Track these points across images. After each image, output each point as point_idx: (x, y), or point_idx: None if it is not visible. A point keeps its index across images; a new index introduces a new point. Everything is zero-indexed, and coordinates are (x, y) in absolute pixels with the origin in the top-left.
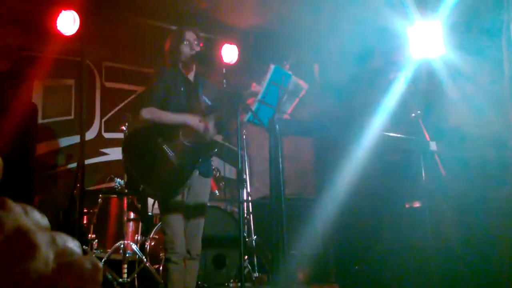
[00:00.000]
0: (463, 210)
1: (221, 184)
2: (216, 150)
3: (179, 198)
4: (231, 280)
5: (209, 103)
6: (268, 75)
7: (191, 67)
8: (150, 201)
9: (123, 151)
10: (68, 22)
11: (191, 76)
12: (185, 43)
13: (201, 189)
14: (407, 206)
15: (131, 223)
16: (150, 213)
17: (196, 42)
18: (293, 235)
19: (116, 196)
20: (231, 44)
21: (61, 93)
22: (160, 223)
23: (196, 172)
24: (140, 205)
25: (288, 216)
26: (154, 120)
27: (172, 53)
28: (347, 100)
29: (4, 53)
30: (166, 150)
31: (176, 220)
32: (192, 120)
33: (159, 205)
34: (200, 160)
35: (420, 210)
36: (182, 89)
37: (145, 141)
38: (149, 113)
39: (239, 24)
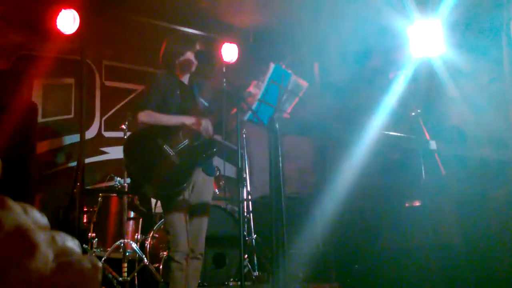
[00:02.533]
0: (462, 208)
1: (221, 183)
2: (215, 149)
3: (182, 197)
4: (231, 279)
5: (206, 104)
6: (268, 74)
7: (188, 70)
8: (153, 201)
9: (124, 152)
10: (68, 21)
11: (185, 80)
12: (192, 50)
13: (204, 188)
14: (407, 205)
15: (131, 222)
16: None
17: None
18: (293, 234)
19: (116, 195)
20: (230, 43)
21: (61, 92)
22: (160, 222)
23: (200, 171)
24: (143, 207)
25: (288, 215)
26: (152, 122)
27: (170, 55)
28: (347, 99)
29: (4, 52)
30: (167, 149)
31: (179, 219)
32: (189, 120)
33: (162, 205)
34: (201, 158)
35: (420, 209)
36: (177, 92)
37: (146, 142)
38: (146, 116)
39: (239, 23)
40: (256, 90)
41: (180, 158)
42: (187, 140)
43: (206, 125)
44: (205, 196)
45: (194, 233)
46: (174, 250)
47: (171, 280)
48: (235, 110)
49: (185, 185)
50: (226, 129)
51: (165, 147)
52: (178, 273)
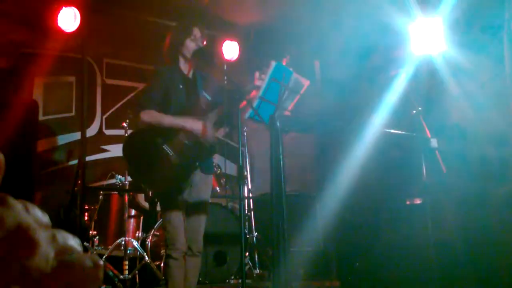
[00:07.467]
0: (463, 206)
1: (222, 181)
2: (215, 149)
3: (181, 196)
4: (232, 277)
5: (209, 98)
6: (269, 72)
7: (192, 63)
8: None
9: (124, 152)
10: (69, 19)
11: (189, 73)
12: (191, 37)
13: (202, 186)
14: (407, 202)
15: (132, 220)
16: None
17: (201, 39)
18: (294, 231)
19: (117, 192)
20: (232, 40)
21: (62, 90)
22: (161, 220)
23: (198, 170)
24: (148, 203)
25: (289, 213)
26: (153, 123)
27: (174, 48)
28: (348, 97)
29: (5, 50)
30: (166, 150)
31: (177, 217)
32: (191, 124)
33: (160, 202)
34: (201, 158)
35: (420, 207)
36: (181, 86)
37: (145, 141)
38: (148, 116)
39: (240, 20)
40: (260, 82)
41: (180, 159)
42: (187, 141)
43: (210, 133)
44: (204, 194)
45: (192, 231)
46: (172, 248)
47: (169, 277)
48: (244, 103)
49: (184, 185)
50: (229, 125)
51: (165, 146)
52: (176, 270)
